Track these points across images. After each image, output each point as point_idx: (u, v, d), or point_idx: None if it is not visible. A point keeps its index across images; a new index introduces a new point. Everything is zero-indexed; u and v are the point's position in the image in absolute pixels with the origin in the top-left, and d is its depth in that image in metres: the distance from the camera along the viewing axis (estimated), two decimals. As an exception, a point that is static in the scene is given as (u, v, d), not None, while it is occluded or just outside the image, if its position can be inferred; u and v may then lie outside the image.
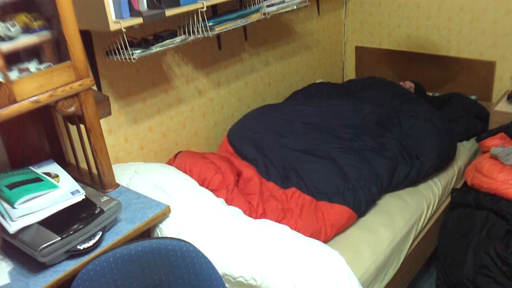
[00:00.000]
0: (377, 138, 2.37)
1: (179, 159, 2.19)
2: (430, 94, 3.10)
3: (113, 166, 1.77)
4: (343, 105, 2.59)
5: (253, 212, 1.96)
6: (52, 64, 1.49)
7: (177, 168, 2.12)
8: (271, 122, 2.48)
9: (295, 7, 2.52)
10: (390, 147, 2.31)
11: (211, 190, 1.99)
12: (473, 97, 2.93)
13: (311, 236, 1.82)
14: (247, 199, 2.02)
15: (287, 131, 2.43)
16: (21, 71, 1.43)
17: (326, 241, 1.91)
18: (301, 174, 2.16)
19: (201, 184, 2.03)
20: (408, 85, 3.00)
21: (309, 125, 2.47)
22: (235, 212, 1.80)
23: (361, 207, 2.04)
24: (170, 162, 2.22)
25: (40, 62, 1.50)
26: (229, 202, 1.97)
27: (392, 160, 2.23)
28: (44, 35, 1.47)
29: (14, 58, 1.44)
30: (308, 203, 2.02)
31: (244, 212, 1.90)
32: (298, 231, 1.81)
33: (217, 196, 1.95)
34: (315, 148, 2.29)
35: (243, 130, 2.46)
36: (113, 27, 1.73)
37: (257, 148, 2.34)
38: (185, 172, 2.08)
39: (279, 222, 1.89)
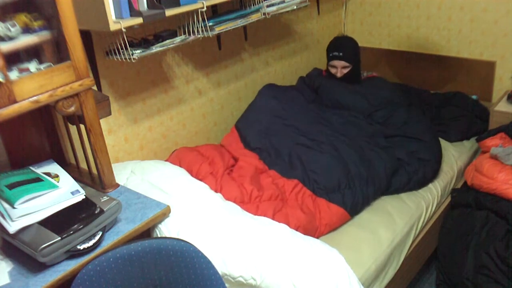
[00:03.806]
0: (378, 138, 2.37)
1: (173, 156, 2.23)
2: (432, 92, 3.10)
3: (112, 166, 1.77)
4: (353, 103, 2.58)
5: (245, 195, 1.98)
6: (52, 64, 1.49)
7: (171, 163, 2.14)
8: (280, 111, 2.46)
9: (295, 7, 2.52)
10: (390, 149, 2.31)
11: (199, 179, 2.00)
12: (474, 97, 2.93)
13: (306, 231, 1.84)
14: (240, 181, 2.04)
15: (296, 120, 2.41)
16: (21, 71, 1.43)
17: (319, 236, 1.95)
18: (305, 164, 2.15)
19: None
20: (339, 65, 2.67)
21: (319, 117, 2.47)
22: (234, 210, 1.80)
23: (356, 209, 2.06)
24: (167, 160, 2.25)
25: (40, 62, 1.50)
26: (218, 189, 1.99)
27: (392, 163, 2.23)
28: (44, 35, 1.47)
29: (14, 58, 1.44)
30: (308, 198, 2.03)
31: (236, 198, 1.93)
32: (294, 224, 1.85)
33: (205, 182, 1.96)
34: (322, 139, 2.28)
35: (252, 118, 2.45)
36: (113, 27, 1.73)
37: (263, 135, 2.34)
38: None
39: (277, 212, 1.92)
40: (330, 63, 2.72)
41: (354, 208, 2.04)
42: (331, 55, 2.70)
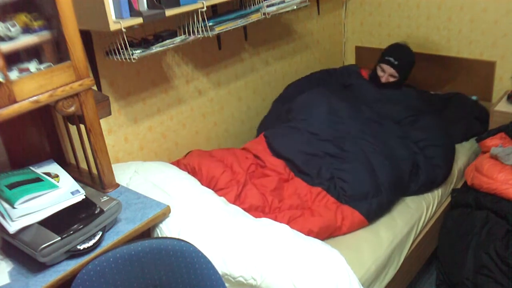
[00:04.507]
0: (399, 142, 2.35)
1: (188, 159, 2.19)
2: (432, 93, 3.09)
3: (113, 166, 1.77)
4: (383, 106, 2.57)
5: (266, 206, 1.97)
6: (52, 64, 1.49)
7: (187, 167, 2.12)
8: (313, 117, 2.40)
9: (295, 7, 2.52)
10: (412, 153, 2.29)
11: (219, 189, 1.99)
12: (474, 98, 2.93)
13: (318, 236, 1.83)
14: (262, 191, 2.03)
15: (321, 124, 2.37)
16: (21, 71, 1.43)
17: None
18: (334, 172, 2.12)
19: (209, 183, 2.04)
20: (388, 71, 2.72)
21: (347, 116, 2.43)
22: (235, 212, 1.80)
23: (377, 216, 2.05)
24: (179, 161, 2.21)
25: (40, 62, 1.50)
26: (242, 198, 1.98)
27: (411, 166, 2.23)
28: (44, 35, 1.47)
29: (14, 58, 1.44)
30: (332, 205, 2.01)
31: (257, 208, 1.93)
32: (308, 229, 1.84)
33: (227, 194, 1.96)
34: (351, 145, 2.23)
35: (280, 129, 2.41)
36: (113, 27, 1.73)
37: (291, 146, 2.27)
38: (195, 172, 2.09)
39: (294, 219, 1.91)
40: (381, 64, 2.73)
41: (377, 216, 2.05)
42: (386, 58, 2.71)
